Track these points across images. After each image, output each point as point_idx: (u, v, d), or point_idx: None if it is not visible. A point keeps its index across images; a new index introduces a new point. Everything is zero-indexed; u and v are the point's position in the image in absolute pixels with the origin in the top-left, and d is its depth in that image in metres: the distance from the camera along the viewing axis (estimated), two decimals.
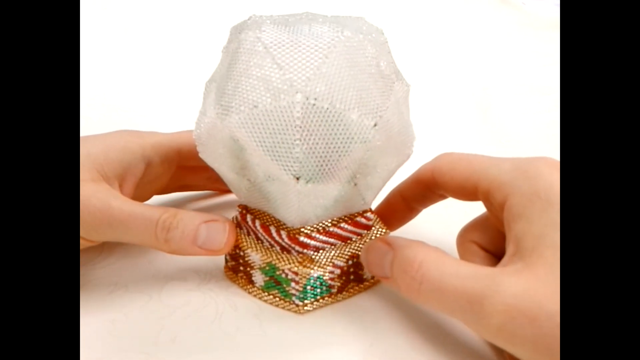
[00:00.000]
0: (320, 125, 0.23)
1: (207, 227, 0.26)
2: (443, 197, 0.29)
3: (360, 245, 0.27)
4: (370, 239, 0.28)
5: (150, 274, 0.29)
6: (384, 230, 0.29)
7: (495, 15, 0.81)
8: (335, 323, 0.26)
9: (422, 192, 0.29)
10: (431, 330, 0.26)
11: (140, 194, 0.31)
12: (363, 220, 0.28)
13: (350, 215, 0.27)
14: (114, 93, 0.54)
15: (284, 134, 0.23)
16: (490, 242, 0.27)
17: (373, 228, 0.28)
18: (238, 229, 0.28)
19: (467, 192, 0.26)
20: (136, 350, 0.25)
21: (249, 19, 0.26)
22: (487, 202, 0.25)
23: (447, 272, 0.22)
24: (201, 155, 0.26)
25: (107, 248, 0.32)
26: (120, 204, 0.26)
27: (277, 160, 0.23)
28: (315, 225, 0.26)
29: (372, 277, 0.28)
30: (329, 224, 0.27)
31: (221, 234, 0.27)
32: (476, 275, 0.22)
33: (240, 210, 0.28)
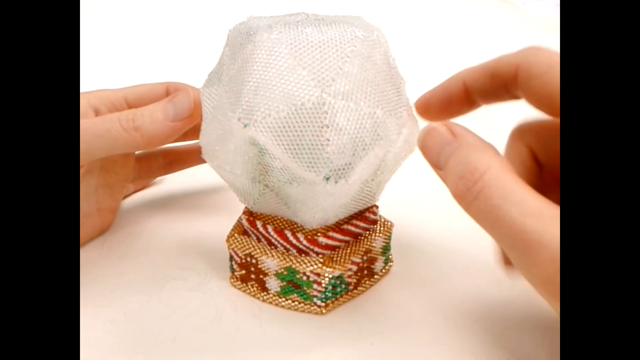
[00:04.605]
0: (348, 124, 0.23)
1: (173, 101, 0.27)
2: (518, 98, 0.24)
3: (371, 240, 0.28)
4: (377, 233, 0.28)
5: (150, 274, 0.30)
6: (389, 223, 0.29)
7: (495, 15, 0.81)
8: (335, 322, 0.26)
9: (494, 87, 0.25)
10: (432, 329, 0.26)
11: (113, 157, 0.32)
12: (371, 216, 0.28)
13: (360, 211, 0.28)
14: None
15: (313, 135, 0.23)
16: (547, 153, 0.24)
17: (379, 222, 0.29)
18: (246, 236, 0.28)
19: (557, 109, 0.22)
20: (136, 350, 0.25)
21: (248, 20, 0.26)
22: None
23: (510, 198, 0.19)
24: (210, 163, 0.26)
25: (107, 248, 0.32)
26: (81, 120, 0.27)
27: (306, 162, 0.23)
28: (331, 225, 0.26)
29: (382, 270, 0.29)
30: (342, 222, 0.27)
31: (187, 98, 0.27)
32: (542, 214, 0.19)
33: (246, 217, 0.28)
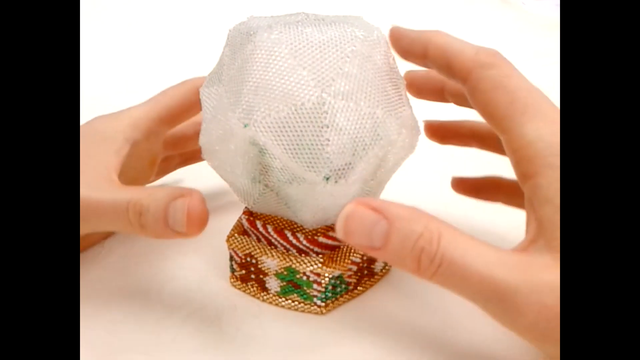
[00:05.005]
0: (348, 124, 0.23)
1: (174, 205, 0.23)
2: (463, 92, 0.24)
3: None
4: None
5: (150, 274, 0.30)
6: None
7: (495, 15, 0.81)
8: (335, 322, 0.26)
9: (448, 74, 0.24)
10: (432, 329, 0.26)
11: (138, 174, 0.31)
12: None
13: None
14: (115, 95, 0.54)
15: (313, 135, 0.23)
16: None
17: None
18: (246, 236, 0.28)
19: (494, 124, 0.22)
20: (136, 350, 0.25)
21: (248, 20, 0.26)
22: (510, 152, 0.22)
23: (470, 254, 0.20)
24: (209, 163, 0.26)
25: (107, 248, 0.32)
26: (89, 192, 0.25)
27: (305, 162, 0.23)
28: (331, 225, 0.26)
29: (382, 270, 0.29)
30: None
31: (182, 211, 0.23)
32: (505, 262, 0.20)
33: (247, 217, 0.28)
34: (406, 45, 0.25)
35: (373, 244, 0.21)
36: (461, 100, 0.27)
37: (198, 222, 0.23)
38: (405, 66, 0.27)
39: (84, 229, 0.25)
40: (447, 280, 0.20)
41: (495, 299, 0.19)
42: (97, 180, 0.26)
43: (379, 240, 0.20)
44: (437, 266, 0.20)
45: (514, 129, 0.21)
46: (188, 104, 0.31)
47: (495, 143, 0.27)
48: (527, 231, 0.21)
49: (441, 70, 0.24)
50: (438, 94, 0.28)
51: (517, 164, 0.22)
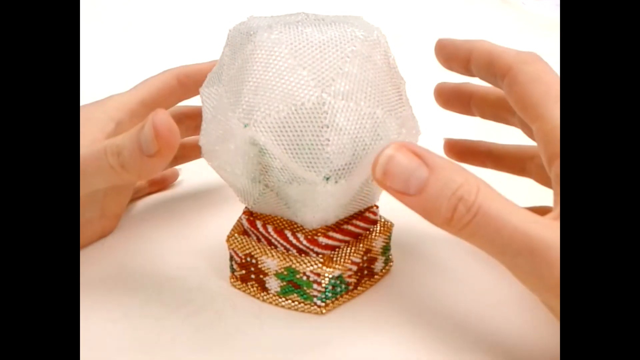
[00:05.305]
0: (348, 124, 0.23)
1: (143, 130, 0.24)
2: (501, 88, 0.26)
3: (371, 240, 0.28)
4: (377, 233, 0.28)
5: (150, 274, 0.30)
6: (389, 223, 0.29)
7: (495, 15, 0.81)
8: (335, 322, 0.26)
9: (488, 73, 0.26)
10: (432, 329, 0.26)
11: None
12: (371, 216, 0.28)
13: (360, 211, 0.28)
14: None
15: (313, 135, 0.23)
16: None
17: (379, 222, 0.29)
18: (246, 236, 0.28)
19: (528, 116, 0.24)
20: (136, 350, 0.25)
21: (248, 20, 0.26)
22: (540, 142, 0.23)
23: (506, 210, 0.20)
24: (210, 163, 0.26)
25: (107, 247, 0.32)
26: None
27: (306, 162, 0.23)
28: (331, 225, 0.26)
29: (382, 270, 0.29)
30: (342, 222, 0.27)
31: (148, 131, 0.23)
32: (540, 222, 0.20)
33: (247, 217, 0.28)
34: (451, 50, 0.27)
35: (409, 190, 0.21)
36: (486, 113, 0.29)
37: (166, 132, 0.23)
38: (405, 67, 0.27)
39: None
40: (478, 232, 0.20)
41: (526, 252, 0.20)
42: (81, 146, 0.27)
43: (415, 186, 0.21)
44: (473, 216, 0.20)
45: (546, 115, 0.23)
46: (169, 89, 0.33)
47: (509, 163, 0.30)
48: (555, 207, 0.22)
49: (482, 70, 0.26)
50: (464, 106, 0.30)
51: (546, 146, 0.23)
